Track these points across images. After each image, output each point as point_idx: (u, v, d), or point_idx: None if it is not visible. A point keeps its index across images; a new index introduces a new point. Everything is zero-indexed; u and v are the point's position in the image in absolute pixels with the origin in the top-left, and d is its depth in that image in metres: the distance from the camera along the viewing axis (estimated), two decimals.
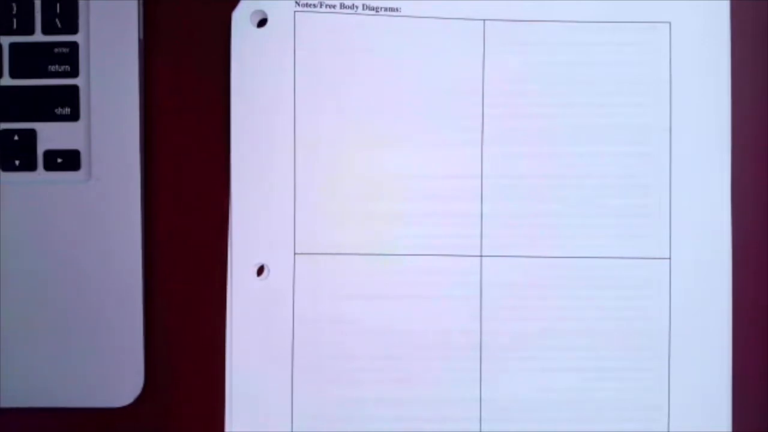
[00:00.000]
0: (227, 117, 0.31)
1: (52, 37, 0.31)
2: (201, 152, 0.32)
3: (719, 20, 0.32)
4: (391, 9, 0.32)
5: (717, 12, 0.32)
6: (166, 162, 0.32)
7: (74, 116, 0.31)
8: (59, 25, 0.31)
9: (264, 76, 0.31)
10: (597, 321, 0.31)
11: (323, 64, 0.31)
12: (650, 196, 0.32)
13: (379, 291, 0.31)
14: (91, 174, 0.31)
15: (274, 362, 0.31)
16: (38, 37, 0.31)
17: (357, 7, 0.31)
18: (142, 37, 0.31)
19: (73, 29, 0.31)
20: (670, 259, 0.31)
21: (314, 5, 0.31)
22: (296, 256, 0.31)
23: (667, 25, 0.32)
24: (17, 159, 0.31)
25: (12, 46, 0.31)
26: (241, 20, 0.31)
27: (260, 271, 0.31)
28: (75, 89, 0.31)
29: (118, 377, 0.31)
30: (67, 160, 0.31)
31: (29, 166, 0.31)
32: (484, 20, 0.32)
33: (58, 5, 0.31)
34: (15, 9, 0.31)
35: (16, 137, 0.31)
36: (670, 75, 0.32)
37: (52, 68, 0.31)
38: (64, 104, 0.31)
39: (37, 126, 0.31)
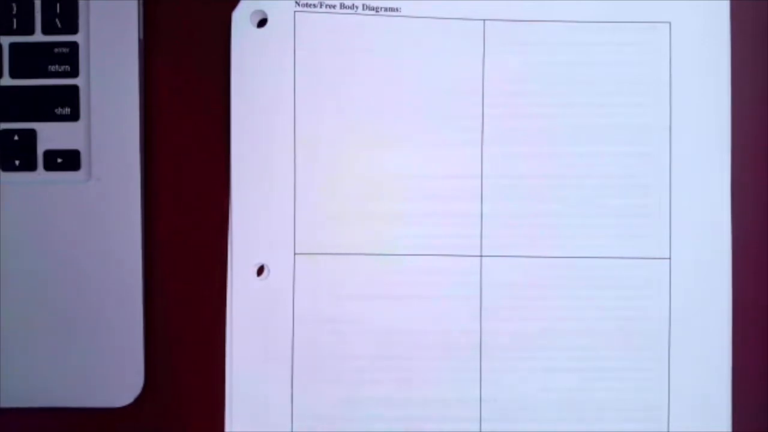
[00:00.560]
0: (227, 117, 0.31)
1: (52, 37, 0.31)
2: (201, 152, 0.32)
3: (719, 20, 0.32)
4: (391, 9, 0.32)
5: (717, 12, 0.32)
6: (166, 162, 0.32)
7: (74, 116, 0.31)
8: (59, 25, 0.31)
9: (264, 76, 0.31)
10: (597, 321, 0.31)
11: (323, 64, 0.31)
12: (650, 196, 0.32)
13: (379, 291, 0.31)
14: (91, 174, 0.31)
15: (274, 362, 0.31)
16: (38, 37, 0.31)
17: (357, 7, 0.31)
18: (142, 37, 0.31)
19: (73, 29, 0.31)
20: (670, 259, 0.31)
21: (314, 5, 0.31)
22: (296, 256, 0.31)
23: (667, 25, 0.32)
24: (17, 159, 0.31)
25: (12, 46, 0.31)
26: (241, 20, 0.31)
27: (260, 271, 0.31)
28: (75, 89, 0.31)
29: (118, 377, 0.31)
30: (67, 160, 0.31)
31: (29, 166, 0.31)
32: (484, 20, 0.32)
33: (58, 5, 0.31)
34: (15, 9, 0.31)
35: (16, 137, 0.31)
36: (670, 75, 0.32)
37: (52, 68, 0.31)
38: (64, 104, 0.31)
39: (37, 126, 0.31)
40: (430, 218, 0.31)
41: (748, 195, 0.32)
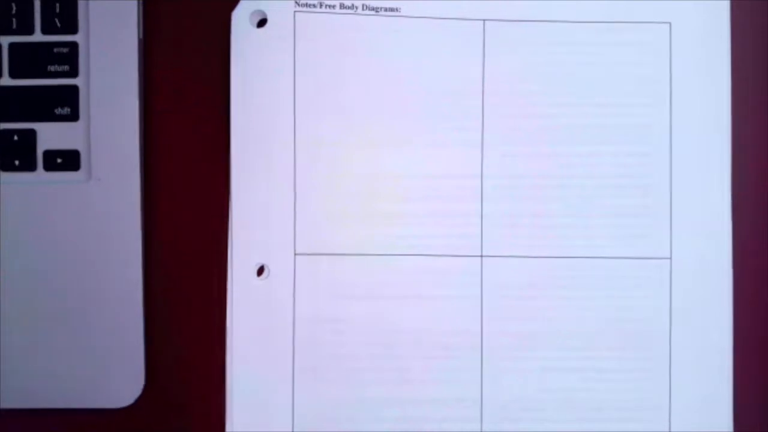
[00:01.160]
0: (227, 117, 0.31)
1: (51, 37, 0.31)
2: (201, 152, 0.32)
3: (719, 20, 0.32)
4: (391, 9, 0.31)
5: (717, 12, 0.32)
6: (166, 162, 0.32)
7: (74, 116, 0.31)
8: (59, 25, 0.31)
9: (264, 76, 0.31)
10: (597, 321, 0.31)
11: (323, 64, 0.31)
12: (650, 196, 0.32)
13: (379, 291, 0.31)
14: (91, 174, 0.31)
15: (275, 362, 0.31)
16: (38, 37, 0.31)
17: (357, 8, 0.31)
18: (142, 37, 0.31)
19: (73, 29, 0.31)
20: (670, 258, 0.31)
21: (314, 5, 0.31)
22: (296, 256, 0.31)
23: (667, 25, 0.32)
24: (17, 159, 0.31)
25: (12, 46, 0.31)
26: (241, 20, 0.31)
27: (260, 271, 0.31)
28: (75, 89, 0.31)
29: (119, 378, 0.31)
30: (66, 161, 0.31)
31: (29, 166, 0.31)
32: (484, 20, 0.32)
33: (57, 5, 0.31)
34: (15, 9, 0.31)
35: (15, 137, 0.31)
36: (670, 75, 0.32)
37: (52, 68, 0.31)
38: (64, 104, 0.31)
39: (37, 126, 0.31)
40: (430, 218, 0.31)
41: (748, 195, 0.32)
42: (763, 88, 0.32)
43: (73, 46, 0.31)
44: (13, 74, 0.31)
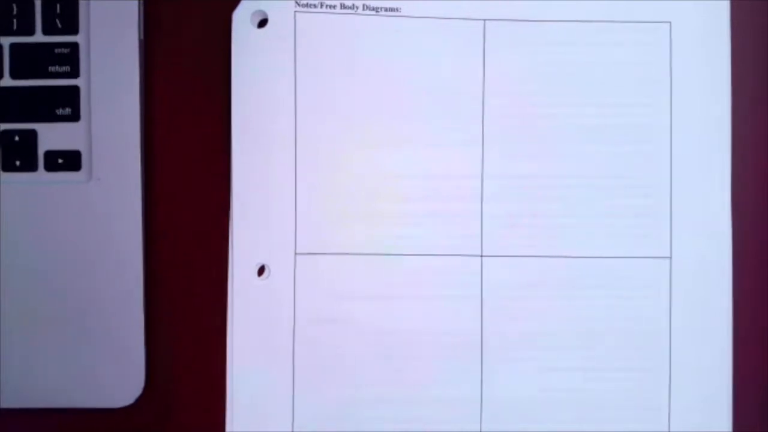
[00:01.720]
0: (227, 117, 0.31)
1: (52, 38, 0.31)
2: (201, 152, 0.32)
3: (719, 20, 0.32)
4: (391, 9, 0.32)
5: (717, 12, 0.32)
6: (167, 162, 0.32)
7: (75, 117, 0.31)
8: (59, 26, 0.31)
9: (264, 76, 0.31)
10: (597, 320, 0.31)
11: (323, 64, 0.31)
12: (650, 196, 0.32)
13: (379, 291, 0.31)
14: (91, 174, 0.31)
15: (275, 362, 0.31)
16: (38, 37, 0.31)
17: (357, 8, 0.31)
18: (142, 37, 0.31)
19: (74, 29, 0.31)
20: (670, 258, 0.31)
21: (314, 5, 0.31)
22: (296, 256, 0.31)
23: (667, 25, 0.32)
24: (18, 159, 0.31)
25: (12, 46, 0.31)
26: (241, 20, 0.31)
27: (261, 271, 0.31)
28: (75, 90, 0.31)
29: (119, 377, 0.31)
30: (67, 161, 0.31)
31: (30, 166, 0.31)
32: (484, 20, 0.32)
33: (58, 5, 0.31)
34: (15, 9, 0.31)
35: (16, 138, 0.31)
36: (671, 75, 0.32)
37: (53, 69, 0.31)
38: (65, 105, 0.31)
39: (38, 126, 0.31)
40: (431, 218, 0.31)
41: (748, 195, 0.32)
42: (763, 88, 0.32)
43: (74, 46, 0.31)
44: (14, 75, 0.31)
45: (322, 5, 0.31)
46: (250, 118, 0.31)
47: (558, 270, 0.31)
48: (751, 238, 0.32)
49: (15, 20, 0.31)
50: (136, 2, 0.31)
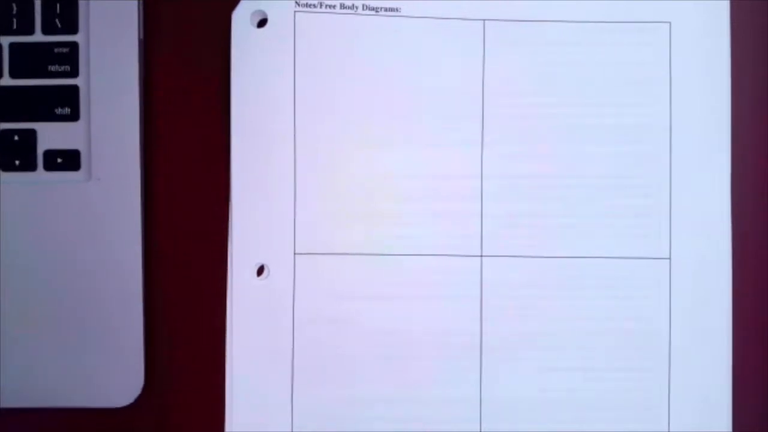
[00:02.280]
0: (227, 117, 0.31)
1: (52, 37, 0.31)
2: (201, 152, 0.32)
3: (719, 20, 0.32)
4: (391, 9, 0.32)
5: (717, 12, 0.32)
6: (166, 162, 0.32)
7: (74, 116, 0.31)
8: (59, 25, 0.31)
9: (264, 76, 0.31)
10: (597, 321, 0.31)
11: (323, 64, 0.31)
12: (650, 196, 0.32)
13: (379, 291, 0.31)
14: (91, 174, 0.31)
15: (274, 362, 0.31)
16: (38, 37, 0.31)
17: (357, 8, 0.31)
18: (142, 37, 0.31)
19: (73, 29, 0.31)
20: (670, 259, 0.31)
21: (314, 5, 0.31)
22: (296, 256, 0.31)
23: (667, 25, 0.32)
24: (17, 159, 0.31)
25: (12, 46, 0.31)
26: (241, 20, 0.31)
27: (260, 271, 0.31)
28: (75, 89, 0.31)
29: (118, 377, 0.31)
30: (67, 160, 0.31)
31: (29, 166, 0.31)
32: (484, 20, 0.32)
33: (58, 5, 0.31)
34: (15, 9, 0.31)
35: (16, 137, 0.31)
36: (670, 75, 0.32)
37: (52, 68, 0.31)
38: (64, 104, 0.31)
39: (37, 126, 0.31)
40: (430, 218, 0.31)
41: (748, 195, 0.32)
42: (763, 88, 0.32)
43: (74, 46, 0.31)
44: (13, 74, 0.31)
45: (321, 5, 0.31)
46: (249, 117, 0.31)
47: (558, 270, 0.31)
48: (751, 238, 0.32)
49: (15, 20, 0.31)
50: (136, 2, 0.31)
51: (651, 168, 0.32)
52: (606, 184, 0.32)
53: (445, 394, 0.31)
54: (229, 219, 0.31)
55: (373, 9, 0.31)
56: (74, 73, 0.31)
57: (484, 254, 0.31)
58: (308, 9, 0.31)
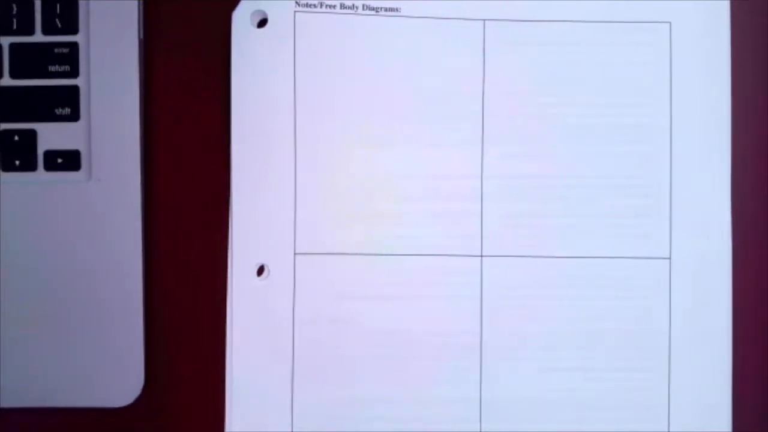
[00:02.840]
0: (227, 117, 0.31)
1: (52, 38, 0.31)
2: (201, 152, 0.32)
3: (719, 20, 0.32)
4: (391, 9, 0.32)
5: (717, 12, 0.32)
6: (166, 162, 0.32)
7: (74, 116, 0.31)
8: (59, 25, 0.31)
9: (264, 76, 0.31)
10: (597, 321, 0.31)
11: (323, 64, 0.31)
12: (650, 196, 0.32)
13: (379, 291, 0.31)
14: (91, 174, 0.31)
15: (274, 362, 0.31)
16: (38, 37, 0.31)
17: (357, 8, 0.31)
18: (142, 37, 0.31)
19: (73, 29, 0.31)
20: (670, 259, 0.31)
21: (314, 5, 0.31)
22: (296, 256, 0.31)
23: (667, 25, 0.32)
24: (17, 159, 0.31)
25: (12, 46, 0.31)
26: (241, 20, 0.31)
27: (260, 271, 0.31)
28: (75, 89, 0.31)
29: (118, 377, 0.31)
30: (67, 161, 0.31)
31: (29, 166, 0.31)
32: (484, 20, 0.32)
33: (58, 5, 0.31)
34: (15, 9, 0.31)
35: (16, 137, 0.31)
36: (670, 75, 0.32)
37: (52, 68, 0.31)
38: (64, 104, 0.31)
39: (38, 126, 0.31)
40: (430, 218, 0.31)
41: (748, 195, 0.32)
42: (763, 88, 0.32)
43: (74, 46, 0.31)
44: (13, 74, 0.31)
45: (321, 5, 0.31)
46: (249, 117, 0.31)
47: (558, 270, 0.31)
48: (751, 238, 0.32)
49: (15, 20, 0.31)
50: (136, 2, 0.31)
51: (651, 168, 0.32)
52: (606, 184, 0.32)
53: (445, 394, 0.31)
54: (229, 219, 0.31)
55: (373, 9, 0.31)
56: (74, 73, 0.31)
57: (484, 254, 0.31)
58: (308, 9, 0.31)
